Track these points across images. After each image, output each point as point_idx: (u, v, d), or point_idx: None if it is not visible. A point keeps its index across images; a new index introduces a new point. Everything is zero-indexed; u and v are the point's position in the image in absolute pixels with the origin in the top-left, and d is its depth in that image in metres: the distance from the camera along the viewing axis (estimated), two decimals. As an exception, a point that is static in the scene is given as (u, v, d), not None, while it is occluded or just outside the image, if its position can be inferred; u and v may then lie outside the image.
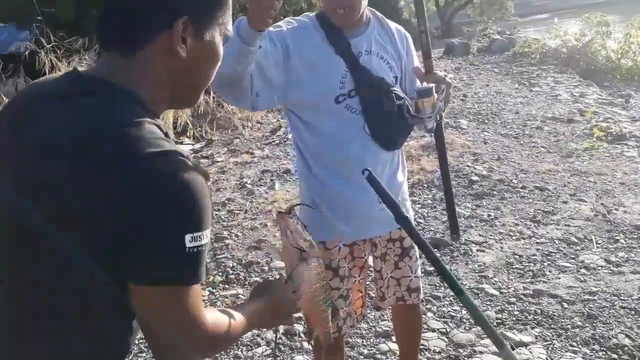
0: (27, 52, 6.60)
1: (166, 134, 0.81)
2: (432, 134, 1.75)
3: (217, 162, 6.25)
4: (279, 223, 1.28)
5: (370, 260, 1.87)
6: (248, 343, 2.64)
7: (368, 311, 2.76)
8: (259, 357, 2.54)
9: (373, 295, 1.98)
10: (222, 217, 4.41)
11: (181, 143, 7.23)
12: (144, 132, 0.75)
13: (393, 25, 1.74)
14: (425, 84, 1.55)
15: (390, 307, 2.00)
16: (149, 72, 0.83)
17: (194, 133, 7.43)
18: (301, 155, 1.71)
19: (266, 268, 3.41)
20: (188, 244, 0.72)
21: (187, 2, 0.82)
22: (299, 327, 2.74)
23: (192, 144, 7.24)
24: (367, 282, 1.94)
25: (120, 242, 0.72)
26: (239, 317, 0.93)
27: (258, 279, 3.29)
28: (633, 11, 13.64)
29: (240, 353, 2.58)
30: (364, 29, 1.65)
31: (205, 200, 0.75)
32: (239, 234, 4.00)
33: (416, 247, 1.88)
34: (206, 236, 0.74)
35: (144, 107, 0.81)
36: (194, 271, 0.74)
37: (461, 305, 2.83)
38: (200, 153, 6.81)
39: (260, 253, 3.60)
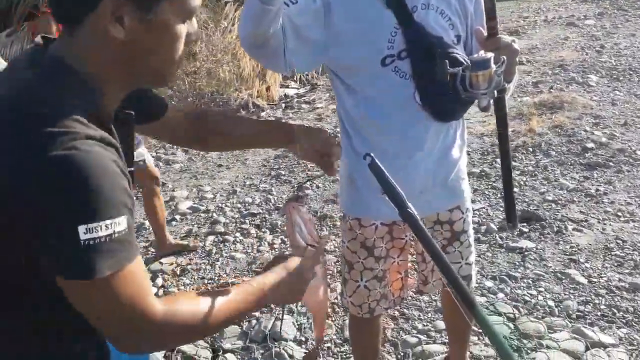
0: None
1: (102, 116, 0.75)
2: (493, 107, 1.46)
3: (317, 108, 6.21)
4: (288, 213, 1.19)
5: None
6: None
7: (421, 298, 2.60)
8: (311, 314, 2.54)
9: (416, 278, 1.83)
10: (309, 166, 4.40)
11: (287, 87, 7.29)
12: (53, 110, 0.69)
13: None
14: (482, 52, 1.29)
15: (436, 292, 1.83)
16: (91, 51, 0.78)
17: (300, 77, 7.43)
18: (342, 125, 1.56)
19: (338, 223, 3.36)
20: (82, 237, 0.66)
21: None
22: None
23: (297, 88, 7.27)
24: (410, 264, 1.79)
25: (25, 229, 0.68)
26: (222, 301, 0.86)
27: (327, 233, 3.26)
28: None
29: (294, 308, 2.60)
30: None
31: (105, 186, 0.68)
32: (319, 185, 3.97)
33: (470, 231, 1.69)
34: (107, 227, 0.67)
35: (83, 85, 0.76)
36: (94, 265, 0.68)
37: (540, 290, 2.57)
38: (303, 98, 6.81)
39: (336, 207, 3.55)
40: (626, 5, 9.70)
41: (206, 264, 3.10)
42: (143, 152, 3.06)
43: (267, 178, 4.29)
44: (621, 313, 2.37)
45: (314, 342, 1.46)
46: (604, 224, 3.07)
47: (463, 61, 1.34)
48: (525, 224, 3.12)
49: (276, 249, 3.18)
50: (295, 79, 7.41)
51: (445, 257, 1.10)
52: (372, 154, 1.11)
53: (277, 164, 4.54)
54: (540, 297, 2.51)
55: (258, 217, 3.64)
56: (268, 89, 6.88)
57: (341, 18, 1.37)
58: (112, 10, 0.73)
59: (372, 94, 1.45)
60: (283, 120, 1.12)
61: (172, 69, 0.86)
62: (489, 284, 2.61)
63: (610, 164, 3.76)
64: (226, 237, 3.40)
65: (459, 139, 1.58)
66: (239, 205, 3.84)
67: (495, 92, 1.28)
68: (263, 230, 3.46)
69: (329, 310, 2.48)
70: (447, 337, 2.29)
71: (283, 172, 4.33)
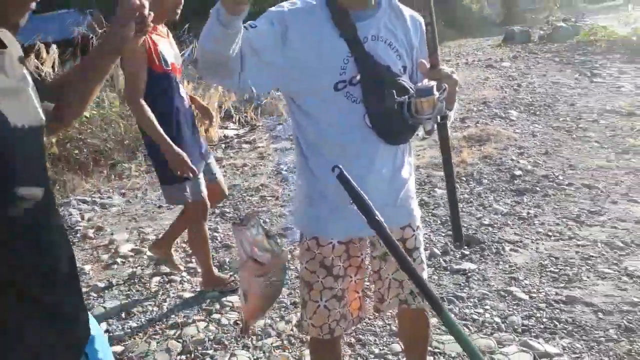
0: (79, 37, 6.82)
1: None
2: (434, 133, 1.55)
3: (258, 147, 6.26)
4: (235, 234, 1.23)
5: (367, 261, 1.76)
6: (259, 333, 2.61)
7: (376, 319, 2.66)
8: (268, 347, 2.50)
9: (372, 296, 1.87)
10: (254, 202, 4.40)
11: (226, 128, 7.31)
12: None
13: (408, 11, 1.59)
14: (426, 81, 1.40)
15: (391, 311, 1.86)
16: None
17: (239, 118, 7.49)
18: (299, 146, 1.61)
19: (289, 257, 3.36)
20: None
21: None
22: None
23: (237, 129, 7.30)
24: (366, 283, 1.83)
25: None
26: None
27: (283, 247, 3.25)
28: None
29: (249, 342, 2.56)
30: (373, 13, 1.51)
31: None
32: (267, 219, 3.97)
33: (422, 249, 1.76)
34: None
35: None
36: None
37: (486, 308, 2.68)
38: (243, 138, 6.85)
39: (285, 241, 3.55)
40: (536, 49, 10.66)
41: (152, 306, 2.98)
42: (214, 166, 3.00)
43: (211, 216, 4.23)
44: (562, 324, 2.51)
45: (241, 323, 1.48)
46: (537, 243, 3.28)
47: (409, 89, 1.46)
48: (466, 247, 3.27)
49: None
50: (234, 120, 7.45)
51: (412, 264, 1.15)
52: (340, 166, 1.16)
53: (220, 202, 4.50)
54: (487, 315, 2.62)
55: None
56: (207, 130, 6.87)
57: (297, 44, 1.44)
58: None
59: (326, 117, 1.52)
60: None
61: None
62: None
63: (537, 189, 4.05)
64: (172, 277, 3.30)
65: (407, 161, 1.67)
66: (184, 245, 3.75)
67: (439, 117, 1.38)
68: (152, 252, 3.39)
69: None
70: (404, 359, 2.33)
71: (227, 210, 4.30)
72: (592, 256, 3.07)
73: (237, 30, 1.25)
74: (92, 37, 6.69)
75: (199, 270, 3.35)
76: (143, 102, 2.52)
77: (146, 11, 1.21)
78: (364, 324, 2.58)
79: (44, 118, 1.07)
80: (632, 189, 3.94)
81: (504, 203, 3.90)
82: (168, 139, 2.54)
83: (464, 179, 4.34)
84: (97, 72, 1.24)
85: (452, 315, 1.16)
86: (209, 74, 1.39)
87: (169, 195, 2.84)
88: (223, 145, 6.58)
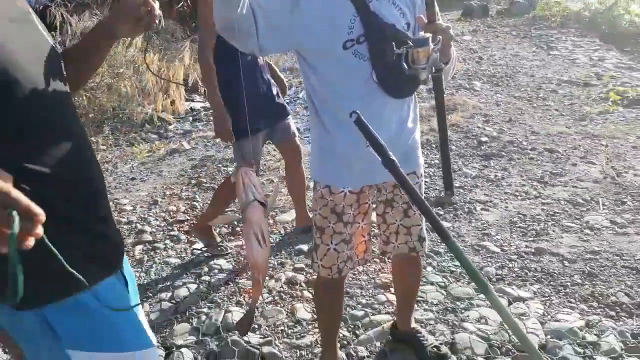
0: (39, 7, 6.55)
1: None
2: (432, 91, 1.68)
3: (227, 119, 6.24)
4: (240, 176, 1.32)
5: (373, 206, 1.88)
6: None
7: (368, 264, 2.81)
8: (260, 302, 2.60)
9: (377, 248, 2.00)
10: (230, 172, 4.44)
11: (192, 100, 7.23)
12: None
13: None
14: (422, 33, 1.49)
15: (394, 255, 1.99)
16: None
17: (204, 90, 7.41)
18: (311, 102, 1.71)
19: (271, 222, 3.45)
20: None
21: None
22: (301, 277, 2.80)
23: (204, 102, 7.23)
24: (372, 227, 1.96)
25: None
26: None
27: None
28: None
29: (242, 300, 2.65)
30: None
31: None
32: (245, 188, 4.03)
33: (423, 196, 1.89)
34: None
35: None
36: None
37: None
38: (210, 111, 6.80)
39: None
40: (494, 23, 10.92)
41: (140, 272, 3.02)
42: (291, 123, 3.01)
43: (187, 187, 4.26)
44: (532, 272, 2.72)
45: (249, 304, 1.57)
46: (506, 202, 3.49)
47: (408, 41, 1.56)
48: (440, 208, 3.45)
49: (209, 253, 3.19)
50: (199, 92, 7.38)
51: (424, 199, 1.27)
52: (357, 111, 1.25)
53: (195, 172, 4.52)
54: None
55: (186, 223, 3.61)
56: (173, 102, 6.77)
57: (306, 7, 1.53)
58: None
59: (335, 74, 1.62)
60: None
61: None
62: (419, 260, 2.86)
63: (503, 153, 4.26)
64: (155, 244, 3.34)
65: (412, 113, 1.78)
66: (163, 214, 3.78)
67: (433, 68, 1.49)
68: (193, 235, 3.44)
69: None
70: (389, 309, 2.48)
71: (204, 180, 4.32)
72: (557, 212, 3.30)
73: None
74: (51, 6, 6.44)
75: (181, 237, 3.40)
76: (211, 59, 2.53)
77: (156, 9, 1.23)
78: (350, 278, 2.72)
79: (59, 49, 1.12)
80: (589, 152, 4.21)
81: (472, 167, 4.09)
82: (220, 101, 2.57)
83: (434, 145, 4.50)
84: (91, 56, 1.30)
85: (457, 244, 1.28)
86: (229, 37, 1.49)
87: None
88: (190, 118, 6.53)
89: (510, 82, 6.33)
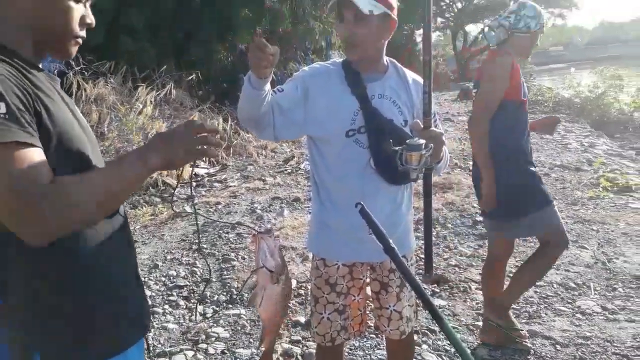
0: (56, 72, 6.90)
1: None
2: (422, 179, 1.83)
3: (230, 186, 6.42)
4: (256, 243, 1.44)
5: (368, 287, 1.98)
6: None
7: (365, 339, 2.85)
8: (256, 375, 2.62)
9: (372, 322, 2.08)
10: (231, 239, 4.53)
11: (197, 166, 7.43)
12: None
13: (411, 75, 1.89)
14: (417, 139, 1.67)
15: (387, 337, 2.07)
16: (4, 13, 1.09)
17: (209, 158, 7.64)
18: (314, 180, 1.88)
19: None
20: None
21: None
22: (297, 350, 2.83)
23: (207, 168, 7.44)
24: (369, 302, 2.05)
25: None
26: (99, 171, 1.09)
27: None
28: (648, 67, 13.81)
29: (238, 370, 2.67)
30: (381, 76, 1.82)
31: None
32: (245, 256, 4.11)
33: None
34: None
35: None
36: None
37: (456, 340, 2.91)
38: (214, 177, 6.99)
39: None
40: (489, 105, 11.42)
41: (137, 336, 3.04)
42: None
43: (188, 252, 4.33)
44: (524, 356, 2.76)
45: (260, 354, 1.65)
46: (500, 283, 3.57)
47: (405, 142, 1.74)
48: (436, 285, 3.52)
49: (209, 319, 3.23)
50: (203, 159, 7.60)
51: (419, 282, 1.38)
52: (362, 202, 1.39)
53: (196, 238, 4.61)
54: (458, 347, 2.84)
55: (185, 289, 3.67)
56: (180, 175, 6.97)
57: (316, 102, 1.75)
58: None
59: (337, 158, 1.80)
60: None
61: (67, 38, 1.14)
62: (414, 337, 2.91)
63: (497, 234, 4.38)
64: (154, 309, 3.38)
65: (407, 199, 1.92)
66: (163, 279, 3.84)
67: (424, 169, 1.66)
68: (192, 301, 3.49)
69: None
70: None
71: (205, 245, 4.41)
72: (550, 295, 3.38)
73: (265, 91, 1.57)
74: (68, 73, 6.78)
75: (180, 302, 3.45)
76: (486, 131, 2.51)
77: (217, 139, 1.14)
78: (347, 352, 2.75)
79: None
80: (581, 237, 4.34)
81: (468, 246, 4.20)
82: (492, 180, 2.53)
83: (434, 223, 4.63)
84: (117, 174, 1.05)
85: (450, 325, 1.37)
86: (250, 127, 1.73)
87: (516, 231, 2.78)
88: (194, 184, 6.70)
89: (504, 163, 6.57)
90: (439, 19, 29.84)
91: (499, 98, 2.52)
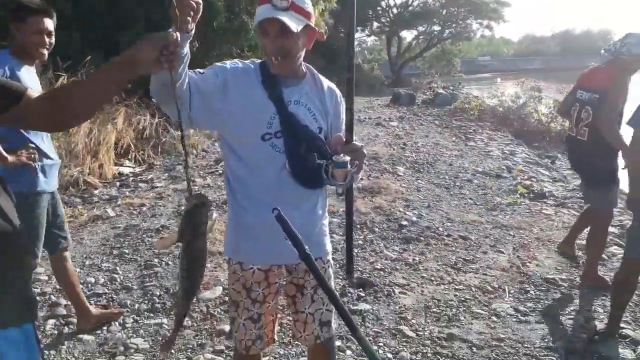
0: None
1: None
2: (342, 193, 1.89)
3: (156, 187, 6.20)
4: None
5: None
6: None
7: (290, 347, 2.84)
8: (175, 387, 2.54)
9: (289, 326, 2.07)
10: (154, 243, 4.38)
11: (121, 165, 7.13)
12: None
13: (326, 83, 1.92)
14: (342, 155, 1.70)
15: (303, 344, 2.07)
16: None
17: (135, 156, 7.35)
18: (228, 182, 1.86)
19: (194, 300, 3.42)
20: None
21: None
22: None
23: (133, 167, 7.15)
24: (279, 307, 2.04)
25: None
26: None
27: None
28: (566, 80, 14.76)
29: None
30: (297, 82, 1.82)
31: None
32: (169, 262, 3.98)
33: (332, 281, 2.01)
34: None
35: None
36: None
37: (379, 345, 2.97)
38: (140, 177, 6.73)
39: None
40: (419, 112, 11.79)
41: (49, 349, 2.87)
42: None
43: (109, 257, 4.14)
44: (443, 358, 2.87)
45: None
46: (422, 287, 3.68)
47: (325, 153, 1.78)
48: (361, 289, 3.58)
49: (128, 329, 3.10)
50: (130, 157, 7.30)
51: (335, 291, 1.38)
52: (278, 208, 1.39)
53: (118, 242, 4.42)
54: (380, 351, 2.90)
55: (104, 296, 3.50)
56: (101, 166, 6.66)
57: (233, 97, 1.71)
58: None
59: (253, 161, 1.78)
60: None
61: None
62: (338, 343, 2.93)
63: (421, 238, 4.53)
64: (70, 319, 3.20)
65: (321, 202, 1.94)
66: (81, 286, 3.64)
67: (349, 184, 1.72)
68: (110, 310, 3.33)
69: None
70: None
71: (127, 251, 4.23)
72: (468, 299, 3.52)
73: (184, 52, 1.46)
74: None
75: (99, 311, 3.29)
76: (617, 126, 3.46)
77: (181, 50, 1.29)
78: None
79: None
80: (499, 241, 4.57)
81: (393, 250, 4.31)
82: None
83: (358, 226, 4.71)
84: (102, 80, 1.26)
85: (364, 335, 1.39)
86: (162, 101, 1.58)
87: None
88: (118, 183, 6.42)
89: (430, 169, 6.80)
90: (375, 24, 30.47)
91: (621, 103, 3.52)
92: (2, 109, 1.22)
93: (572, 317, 3.32)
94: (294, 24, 1.65)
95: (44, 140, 2.67)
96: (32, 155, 2.52)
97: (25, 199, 2.52)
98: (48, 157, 2.68)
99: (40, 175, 2.62)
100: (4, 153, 2.45)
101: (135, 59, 1.23)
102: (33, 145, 2.56)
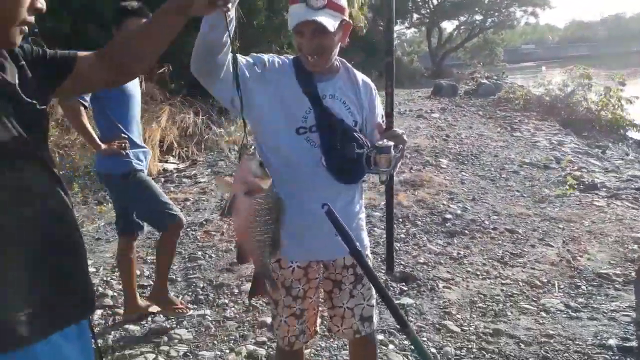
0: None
1: None
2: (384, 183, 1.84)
3: (200, 182, 6.31)
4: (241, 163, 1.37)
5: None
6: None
7: (332, 340, 2.83)
8: (218, 378, 2.56)
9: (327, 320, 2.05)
10: (198, 237, 4.45)
11: (166, 161, 7.30)
12: None
13: (360, 76, 1.89)
14: (385, 140, 1.66)
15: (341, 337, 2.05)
16: None
17: (179, 152, 7.52)
18: None
19: (236, 291, 3.45)
20: None
21: None
22: (262, 352, 2.78)
23: (177, 164, 7.31)
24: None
25: None
26: None
27: (226, 301, 3.33)
28: (616, 66, 14.11)
29: (200, 373, 2.60)
30: (331, 77, 1.80)
31: None
32: (212, 255, 4.04)
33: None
34: None
35: None
36: None
37: (423, 339, 2.90)
38: (183, 173, 6.87)
39: (232, 276, 3.64)
40: (462, 102, 11.53)
41: (96, 338, 2.95)
42: None
43: (154, 250, 4.23)
44: (489, 354, 2.78)
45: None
46: (468, 281, 3.59)
47: (363, 144, 1.73)
48: (404, 284, 3.51)
49: (172, 319, 3.15)
50: (174, 154, 7.47)
51: (383, 285, 1.35)
52: (328, 204, 1.36)
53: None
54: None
55: (148, 289, 3.58)
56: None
57: (271, 89, 1.70)
58: None
59: (288, 155, 1.75)
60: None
61: (12, 23, 1.02)
62: (380, 337, 2.89)
63: (466, 231, 4.41)
64: (116, 309, 3.29)
65: (357, 197, 1.91)
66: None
67: (393, 170, 1.67)
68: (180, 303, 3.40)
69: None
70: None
71: (172, 244, 4.31)
72: (515, 293, 3.40)
73: (231, 18, 1.40)
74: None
75: (143, 305, 3.36)
76: None
77: None
78: (313, 354, 2.72)
79: None
80: (547, 235, 4.40)
81: (436, 244, 4.22)
82: None
83: (400, 220, 4.64)
84: (160, 28, 1.27)
85: (414, 330, 1.35)
86: (203, 74, 1.57)
87: None
88: (162, 179, 6.57)
89: (475, 161, 6.63)
90: (415, 15, 30.01)
91: None
92: (62, 78, 1.23)
93: (627, 313, 3.15)
94: (331, 23, 1.62)
95: (134, 131, 2.97)
96: (123, 144, 2.84)
97: (127, 178, 2.88)
98: (139, 146, 2.97)
99: (134, 158, 2.91)
100: (99, 141, 2.85)
101: (189, 8, 1.23)
102: (125, 136, 2.88)
